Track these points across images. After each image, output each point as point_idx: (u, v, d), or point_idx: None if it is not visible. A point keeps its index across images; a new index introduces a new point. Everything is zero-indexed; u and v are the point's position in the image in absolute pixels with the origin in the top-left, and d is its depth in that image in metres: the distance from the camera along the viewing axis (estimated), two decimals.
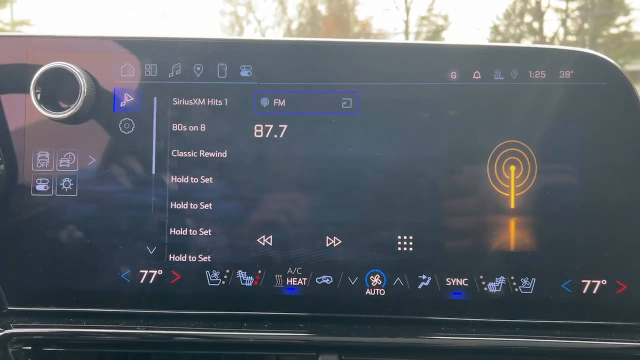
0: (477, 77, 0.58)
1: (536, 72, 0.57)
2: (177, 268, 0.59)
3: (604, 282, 0.57)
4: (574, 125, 0.57)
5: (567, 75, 0.57)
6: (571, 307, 0.57)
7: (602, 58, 0.57)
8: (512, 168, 0.57)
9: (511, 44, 0.63)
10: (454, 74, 0.58)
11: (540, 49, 0.58)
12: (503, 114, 0.58)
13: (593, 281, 0.57)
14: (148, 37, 0.60)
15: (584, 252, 0.57)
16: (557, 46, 0.59)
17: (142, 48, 0.59)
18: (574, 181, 0.57)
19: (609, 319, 0.57)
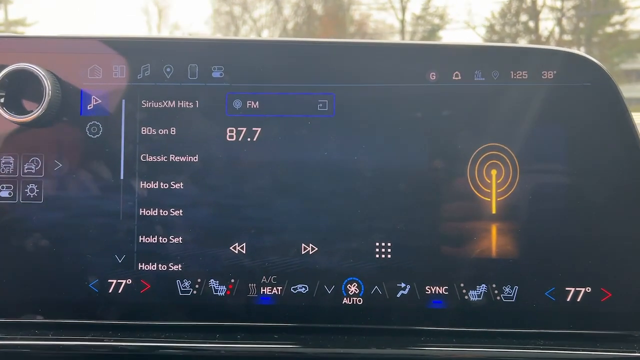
0: (457, 78, 0.56)
1: (518, 72, 0.55)
2: (146, 277, 0.56)
3: (589, 289, 0.55)
4: (557, 128, 0.55)
5: (550, 76, 0.55)
6: (555, 316, 0.55)
7: (586, 58, 0.55)
8: (494, 172, 0.55)
9: (492, 43, 0.61)
10: (433, 74, 0.56)
11: (522, 48, 0.56)
12: (484, 116, 0.56)
13: (577, 289, 0.55)
14: (116, 37, 0.58)
15: (567, 259, 0.55)
16: (539, 46, 0.57)
17: (110, 48, 0.57)
18: (557, 185, 0.55)
19: (594, 327, 0.55)
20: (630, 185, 0.54)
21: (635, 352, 0.53)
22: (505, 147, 0.55)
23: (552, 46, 0.57)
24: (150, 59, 0.57)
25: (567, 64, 0.55)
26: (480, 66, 0.55)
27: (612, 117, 0.55)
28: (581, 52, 0.55)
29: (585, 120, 0.55)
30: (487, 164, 0.55)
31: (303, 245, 0.56)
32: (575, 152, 0.55)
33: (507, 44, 0.59)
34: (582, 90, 0.55)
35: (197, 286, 0.56)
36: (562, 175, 0.55)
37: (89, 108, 0.57)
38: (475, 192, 0.55)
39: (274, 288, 0.56)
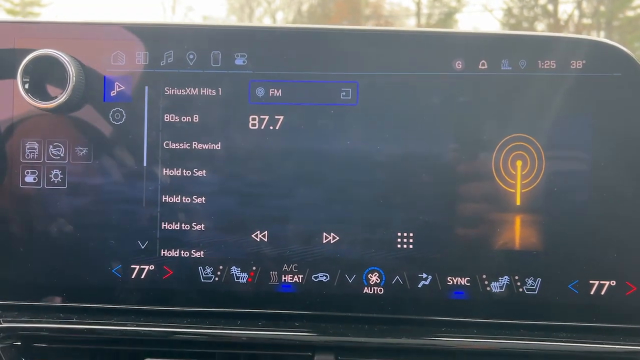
0: (483, 67, 0.55)
1: (546, 62, 0.54)
2: (169, 263, 0.57)
3: (613, 283, 0.54)
4: (585, 119, 0.54)
5: (579, 66, 0.54)
6: (578, 309, 0.55)
7: (616, 47, 0.54)
8: (519, 163, 0.55)
9: (519, 32, 0.60)
10: (459, 63, 0.55)
11: (550, 37, 0.55)
12: (510, 106, 0.55)
13: (601, 282, 0.54)
14: (139, 23, 0.57)
15: (592, 251, 0.54)
16: (569, 34, 0.55)
17: (133, 35, 0.57)
18: (583, 178, 0.54)
19: (618, 321, 0.55)
20: None
21: None
22: (531, 138, 0.54)
23: (582, 35, 0.56)
24: (173, 46, 0.56)
25: (597, 54, 0.54)
26: (508, 55, 0.54)
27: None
28: (611, 41, 0.54)
29: (614, 111, 0.54)
30: (513, 154, 0.55)
31: (324, 234, 0.56)
32: (602, 144, 0.54)
33: (535, 32, 0.57)
34: (612, 81, 0.54)
35: (218, 273, 0.56)
36: (588, 167, 0.54)
37: (112, 94, 0.57)
38: (500, 183, 0.55)
39: (295, 276, 0.56)
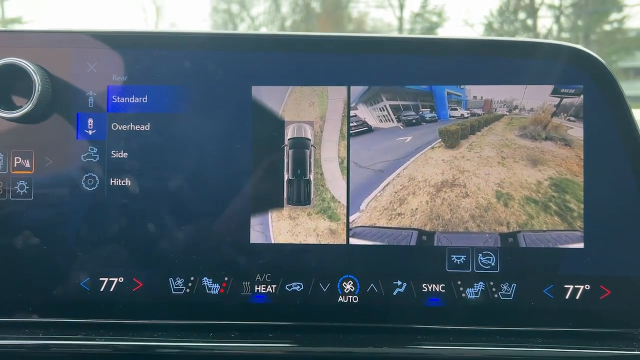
0: None
1: None
2: (139, 275, 0.55)
3: (587, 287, 0.54)
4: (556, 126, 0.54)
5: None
6: (553, 314, 0.54)
7: (588, 54, 0.54)
8: None
9: (496, 37, 0.60)
10: None
11: (527, 42, 0.55)
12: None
13: (576, 286, 0.54)
14: (105, 31, 0.57)
15: (566, 256, 0.54)
16: (543, 40, 0.56)
17: (99, 43, 0.56)
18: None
19: (593, 325, 0.54)
20: (629, 183, 0.54)
21: (634, 350, 0.52)
22: None
23: (556, 41, 0.56)
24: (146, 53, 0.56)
25: (570, 60, 0.54)
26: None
27: (613, 113, 0.54)
28: (582, 47, 0.54)
29: (585, 117, 0.54)
30: None
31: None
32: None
33: (511, 38, 0.58)
34: (585, 88, 0.54)
35: (190, 284, 0.55)
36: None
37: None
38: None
39: (269, 286, 0.55)
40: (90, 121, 0.55)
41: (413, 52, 0.55)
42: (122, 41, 0.56)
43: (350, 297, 0.55)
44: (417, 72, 0.54)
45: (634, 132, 0.53)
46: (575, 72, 0.53)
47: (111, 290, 0.55)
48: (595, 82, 0.53)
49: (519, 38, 0.55)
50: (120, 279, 0.55)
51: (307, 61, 0.55)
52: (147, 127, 0.55)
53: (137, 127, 0.55)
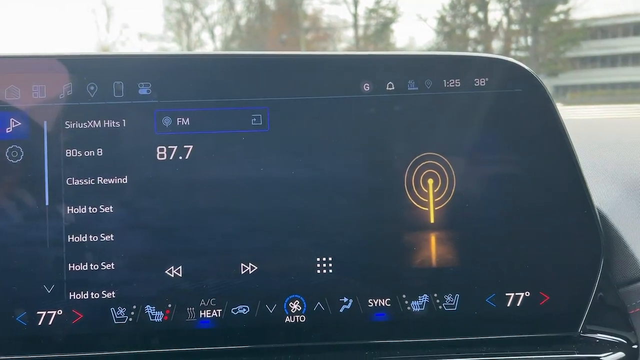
0: (390, 89, 0.55)
1: (451, 81, 0.55)
2: (78, 307, 0.54)
3: (527, 294, 0.55)
4: (490, 135, 0.55)
5: (482, 83, 0.55)
6: (497, 322, 0.55)
7: (515, 64, 0.55)
8: (430, 182, 0.55)
9: (426, 52, 0.61)
10: (366, 85, 0.55)
11: (453, 56, 0.56)
12: (418, 125, 0.55)
13: (517, 294, 0.55)
14: (33, 55, 0.54)
15: (506, 264, 0.55)
16: (470, 53, 0.57)
17: (27, 67, 0.54)
18: (492, 192, 0.55)
19: (535, 331, 0.56)
20: (561, 188, 0.55)
21: (573, 353, 0.54)
22: (441, 156, 0.55)
23: (485, 53, 0.57)
24: (73, 78, 0.54)
25: (498, 71, 0.55)
26: (413, 76, 0.55)
27: (544, 121, 0.55)
28: (510, 58, 0.55)
29: (517, 126, 0.55)
30: (424, 173, 0.55)
31: (242, 264, 0.54)
32: (508, 159, 0.55)
33: (441, 52, 0.58)
34: (514, 97, 0.55)
35: (132, 313, 0.54)
36: (496, 182, 0.55)
37: (7, 131, 0.53)
38: (414, 202, 0.55)
39: (214, 311, 0.54)
40: None
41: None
42: (56, 64, 0.54)
43: (297, 316, 0.55)
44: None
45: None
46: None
47: (50, 323, 0.53)
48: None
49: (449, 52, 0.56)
50: (59, 312, 0.53)
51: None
52: None
53: None
